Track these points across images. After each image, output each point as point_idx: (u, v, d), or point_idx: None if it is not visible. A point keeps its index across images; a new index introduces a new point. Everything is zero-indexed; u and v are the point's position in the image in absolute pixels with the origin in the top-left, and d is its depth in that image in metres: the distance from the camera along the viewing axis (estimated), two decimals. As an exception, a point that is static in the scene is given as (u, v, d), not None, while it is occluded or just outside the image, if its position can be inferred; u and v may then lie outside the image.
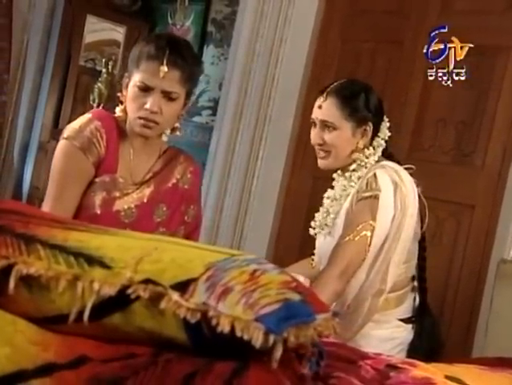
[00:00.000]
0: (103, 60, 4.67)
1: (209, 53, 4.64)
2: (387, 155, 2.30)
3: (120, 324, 0.98)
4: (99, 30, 4.87)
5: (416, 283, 2.30)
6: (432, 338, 2.27)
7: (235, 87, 3.98)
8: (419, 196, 2.23)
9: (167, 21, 4.89)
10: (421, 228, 2.27)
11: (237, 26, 4.08)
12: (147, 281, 0.97)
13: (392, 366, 1.30)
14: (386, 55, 3.57)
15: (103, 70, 4.62)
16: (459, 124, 3.30)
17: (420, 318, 2.27)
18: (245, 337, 0.89)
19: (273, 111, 3.84)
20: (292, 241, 3.75)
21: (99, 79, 4.58)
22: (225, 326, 0.90)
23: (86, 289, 0.98)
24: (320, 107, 2.25)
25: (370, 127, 2.24)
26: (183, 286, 0.96)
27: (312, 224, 2.36)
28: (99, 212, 2.01)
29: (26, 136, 4.56)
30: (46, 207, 2.02)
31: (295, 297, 0.95)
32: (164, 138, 2.19)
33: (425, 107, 3.40)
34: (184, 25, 4.75)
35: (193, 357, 0.96)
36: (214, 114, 4.33)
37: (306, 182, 3.78)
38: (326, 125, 2.23)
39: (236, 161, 3.95)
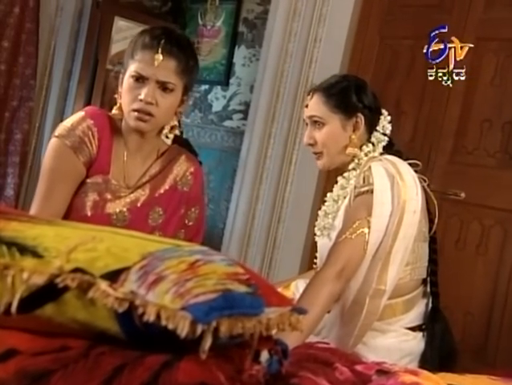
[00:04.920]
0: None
1: (241, 54, 4.53)
2: (392, 152, 2.17)
3: (53, 315, 0.96)
4: (128, 33, 4.77)
5: (428, 288, 2.17)
6: (443, 345, 2.11)
7: (267, 90, 3.88)
8: (427, 195, 2.13)
9: (197, 21, 4.81)
10: (431, 228, 2.15)
11: (269, 26, 3.98)
12: (76, 270, 0.94)
13: (383, 372, 1.25)
14: (427, 52, 3.39)
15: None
16: (506, 125, 3.13)
17: (431, 324, 2.12)
18: (170, 326, 0.86)
19: (307, 114, 3.68)
20: (328, 250, 3.59)
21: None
22: (150, 315, 0.87)
23: (16, 279, 0.95)
24: (307, 106, 2.22)
25: (361, 119, 2.15)
26: (114, 275, 0.93)
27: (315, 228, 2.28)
28: (89, 214, 1.94)
29: (54, 143, 4.48)
30: (34, 206, 1.95)
31: (240, 288, 0.92)
32: (168, 141, 2.10)
33: (469, 107, 3.22)
34: (214, 25, 4.66)
35: (127, 350, 0.93)
36: (245, 118, 4.23)
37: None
38: (315, 122, 2.18)
39: (268, 166, 3.85)
